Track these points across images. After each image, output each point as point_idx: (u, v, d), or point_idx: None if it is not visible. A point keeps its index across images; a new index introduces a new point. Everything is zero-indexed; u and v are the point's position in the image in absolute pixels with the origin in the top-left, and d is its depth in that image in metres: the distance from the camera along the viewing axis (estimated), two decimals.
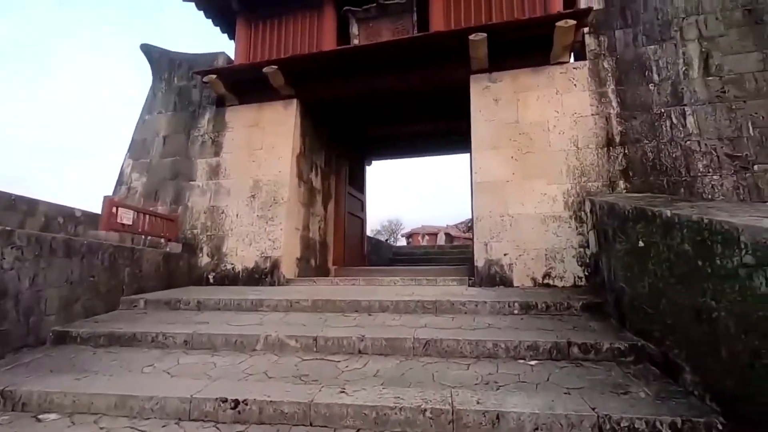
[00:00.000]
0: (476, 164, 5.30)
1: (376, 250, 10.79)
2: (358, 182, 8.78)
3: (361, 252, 8.82)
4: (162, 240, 5.78)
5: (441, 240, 18.30)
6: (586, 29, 5.24)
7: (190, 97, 6.89)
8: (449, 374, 2.54)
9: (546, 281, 4.70)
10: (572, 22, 4.79)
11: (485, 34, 5.00)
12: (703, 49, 4.87)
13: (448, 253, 11.35)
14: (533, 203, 4.94)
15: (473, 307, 3.75)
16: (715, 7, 4.95)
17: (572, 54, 5.33)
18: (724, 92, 4.69)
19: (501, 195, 5.07)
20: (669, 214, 2.74)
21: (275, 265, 5.66)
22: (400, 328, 3.29)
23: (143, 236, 5.40)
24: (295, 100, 6.27)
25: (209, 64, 6.71)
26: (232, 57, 6.83)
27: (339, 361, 2.82)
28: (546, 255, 4.77)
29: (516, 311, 3.69)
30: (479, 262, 4.96)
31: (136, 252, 4.87)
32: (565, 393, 2.21)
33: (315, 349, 3.05)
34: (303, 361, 2.85)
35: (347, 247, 7.86)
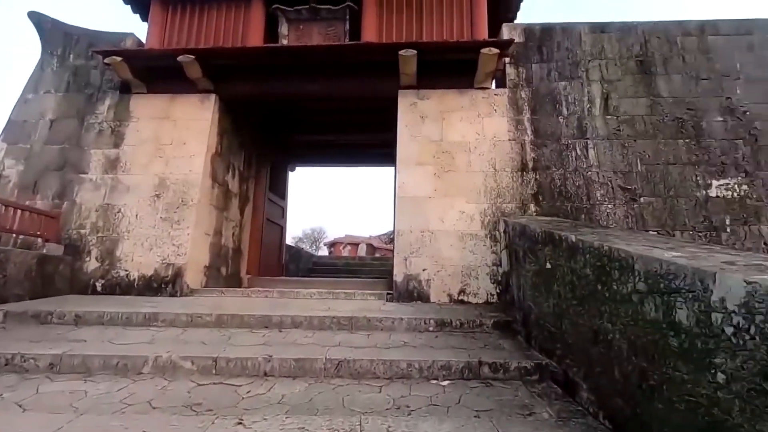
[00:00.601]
0: (400, 179, 5.30)
1: (295, 259, 10.39)
2: (279, 188, 8.39)
3: (279, 261, 8.42)
4: (39, 240, 4.94)
5: (362, 251, 18.28)
6: (507, 59, 5.57)
7: (88, 78, 6.06)
8: (360, 398, 2.40)
9: (461, 297, 4.80)
10: (495, 50, 5.05)
11: (415, 51, 5.07)
12: (604, 90, 5.41)
13: (368, 265, 11.31)
14: (452, 221, 5.05)
15: (390, 323, 3.67)
16: (614, 55, 5.55)
17: (495, 81, 5.62)
18: (619, 130, 5.24)
19: (422, 211, 5.11)
20: (574, 239, 2.90)
21: (178, 273, 5.11)
22: (312, 347, 3.09)
23: (13, 235, 4.56)
24: (213, 96, 5.81)
25: (114, 45, 5.98)
26: (144, 41, 6.17)
27: (240, 386, 2.54)
28: (462, 272, 4.88)
29: (431, 328, 3.68)
30: (398, 276, 4.94)
31: None
32: (475, 416, 2.19)
33: (214, 372, 2.73)
34: (198, 387, 2.52)
35: (264, 255, 7.43)
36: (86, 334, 3.28)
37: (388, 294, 4.97)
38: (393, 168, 7.98)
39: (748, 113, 5.17)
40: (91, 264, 5.20)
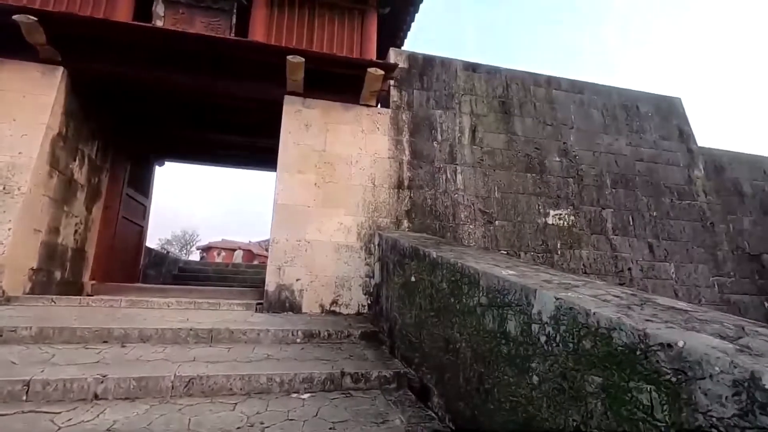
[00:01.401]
0: (280, 185, 5.16)
1: (157, 264, 9.30)
2: (142, 184, 7.47)
3: (136, 266, 7.43)
4: None
5: (238, 258, 17.24)
6: (392, 82, 5.88)
7: None
8: (209, 418, 2.22)
9: (333, 308, 4.83)
10: (381, 71, 5.29)
11: (304, 59, 5.03)
12: (473, 123, 6.07)
13: (243, 273, 10.68)
14: (330, 231, 5.08)
15: (255, 335, 3.50)
16: (482, 93, 6.27)
17: (379, 101, 5.87)
18: (483, 160, 5.91)
19: (301, 220, 5.04)
20: (434, 255, 3.15)
21: None
22: (160, 364, 2.77)
23: None
24: (61, 69, 4.94)
25: None
26: None
27: (59, 413, 2.14)
28: (336, 283, 4.92)
29: (299, 340, 3.62)
30: (270, 286, 4.76)
31: None
32: (330, 428, 2.20)
33: (24, 398, 2.26)
34: None
35: (116, 259, 6.49)
36: None
37: (258, 304, 4.75)
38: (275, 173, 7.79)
39: (577, 156, 6.30)
40: None
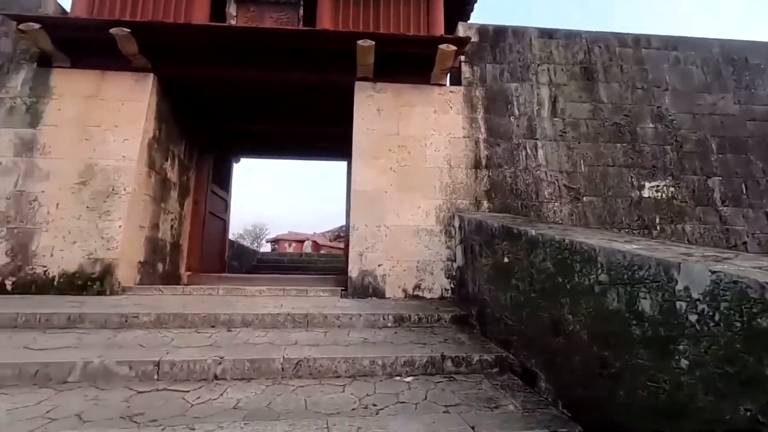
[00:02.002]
0: (355, 172, 5.18)
1: (239, 255, 9.88)
2: (223, 180, 7.91)
3: (221, 257, 7.93)
4: None
5: (308, 248, 17.89)
6: (463, 57, 5.63)
7: None
8: (324, 399, 2.25)
9: (416, 293, 4.78)
10: (453, 47, 5.07)
11: (374, 42, 4.95)
12: (552, 93, 5.66)
13: (316, 262, 11.05)
14: (408, 215, 5.02)
15: (347, 320, 3.55)
16: (561, 60, 5.82)
17: (451, 78, 5.65)
18: (565, 132, 5.50)
19: (378, 205, 5.03)
20: (533, 233, 2.96)
21: (108, 269, 4.60)
22: (266, 347, 2.88)
23: None
24: (151, 75, 5.29)
25: (30, 9, 5.25)
26: (66, 7, 5.50)
27: (188, 392, 2.29)
28: (417, 267, 4.86)
29: (390, 324, 3.60)
30: (353, 272, 4.81)
31: None
32: (444, 412, 2.13)
33: (156, 377, 2.44)
34: (137, 395, 2.23)
35: (205, 251, 6.95)
36: None
37: (342, 290, 4.83)
38: (345, 162, 7.86)
39: (674, 121, 5.65)
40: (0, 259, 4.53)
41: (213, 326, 3.32)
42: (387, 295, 4.74)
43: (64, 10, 5.52)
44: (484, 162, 5.31)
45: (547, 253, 2.76)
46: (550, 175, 5.31)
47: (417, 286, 4.80)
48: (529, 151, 5.39)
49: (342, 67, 5.34)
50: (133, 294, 4.59)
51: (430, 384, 2.55)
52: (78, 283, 4.53)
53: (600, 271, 2.22)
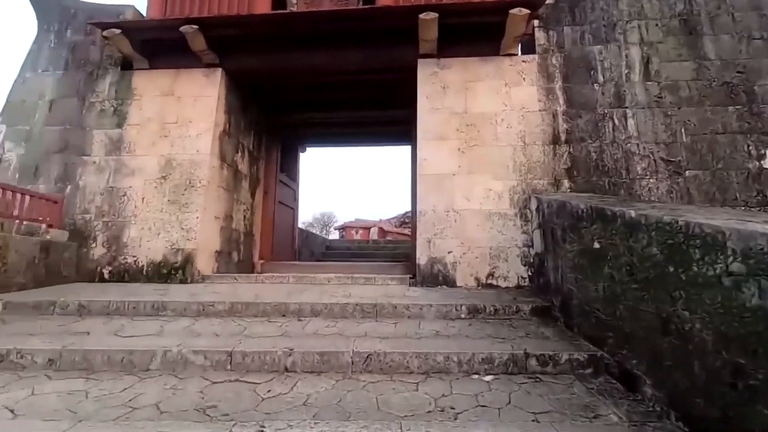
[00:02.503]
0: (421, 155, 4.93)
1: (308, 243, 10.13)
2: (291, 169, 8.06)
3: (292, 245, 8.14)
4: (43, 226, 4.70)
5: (374, 235, 18.03)
6: (536, 22, 5.09)
7: (88, 55, 5.72)
8: (396, 399, 2.09)
9: (490, 281, 4.47)
10: (525, 11, 4.58)
11: (436, 14, 4.62)
12: (644, 54, 4.93)
13: (383, 249, 11.02)
14: (479, 199, 4.68)
15: (418, 310, 3.36)
16: (655, 14, 5.04)
17: (522, 47, 5.15)
18: (661, 97, 4.77)
19: (446, 189, 4.75)
20: (634, 215, 2.53)
21: (188, 259, 4.85)
22: (335, 338, 2.79)
23: (17, 222, 4.30)
24: (219, 70, 5.44)
25: (114, 18, 5.61)
26: (144, 13, 5.80)
27: (259, 384, 2.25)
28: (490, 254, 4.54)
29: (464, 315, 3.36)
30: (422, 259, 4.61)
31: None
32: (533, 420, 1.87)
33: (229, 368, 2.45)
34: (212, 385, 2.24)
35: (276, 240, 7.15)
36: (90, 326, 3.02)
37: (410, 278, 4.66)
38: (409, 146, 7.62)
39: None
40: (98, 250, 4.96)
41: (284, 315, 3.31)
42: (458, 284, 4.48)
43: (142, 16, 5.84)
44: (563, 137, 4.79)
45: (653, 237, 2.33)
46: (643, 148, 4.65)
47: (490, 274, 4.49)
48: (616, 121, 4.76)
49: (404, 45, 5.08)
50: (211, 282, 4.80)
51: (512, 385, 2.28)
52: (163, 272, 4.83)
53: (731, 258, 1.79)
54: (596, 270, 2.96)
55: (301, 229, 9.74)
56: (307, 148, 9.19)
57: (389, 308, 3.35)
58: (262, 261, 6.72)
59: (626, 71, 4.90)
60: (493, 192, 4.69)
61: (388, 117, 7.23)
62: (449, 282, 4.50)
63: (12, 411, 1.92)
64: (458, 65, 5.10)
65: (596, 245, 2.99)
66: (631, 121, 4.73)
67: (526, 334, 2.97)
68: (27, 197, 4.47)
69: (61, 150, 5.34)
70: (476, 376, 2.40)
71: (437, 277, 4.53)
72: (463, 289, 4.33)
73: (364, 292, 3.95)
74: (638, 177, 4.59)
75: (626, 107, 4.79)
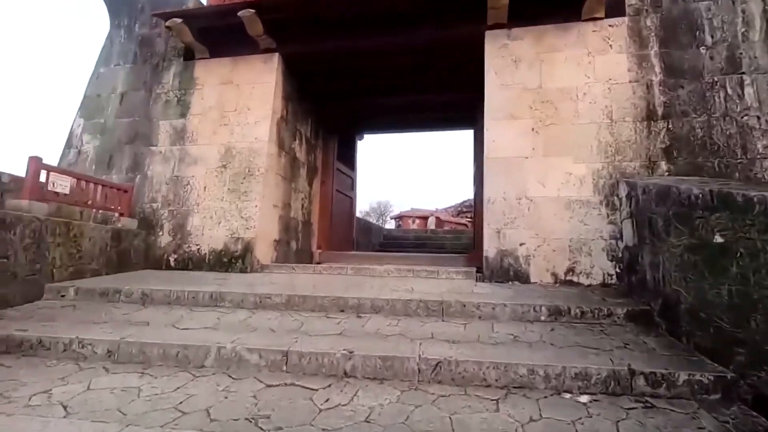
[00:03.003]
0: (489, 136, 4.46)
1: (366, 233, 9.98)
2: (348, 157, 7.88)
3: (350, 235, 8.00)
4: (115, 214, 4.87)
5: (431, 224, 17.59)
6: None
7: (154, 47, 5.86)
8: (474, 420, 1.76)
9: (569, 278, 3.95)
10: None
11: None
12: (767, 7, 4.06)
13: (442, 239, 10.61)
14: (556, 185, 4.15)
15: (489, 310, 2.98)
16: None
17: (607, 10, 4.46)
18: None
19: (518, 174, 4.26)
20: None
21: (248, 248, 4.81)
22: (399, 340, 2.50)
23: (93, 210, 4.47)
24: (276, 55, 5.31)
25: (176, 7, 5.66)
26: (204, 2, 5.81)
27: (316, 391, 2.02)
28: (570, 246, 4.01)
29: (543, 318, 2.93)
30: (490, 251, 4.19)
31: (73, 228, 3.96)
32: None
33: (284, 369, 2.25)
34: (266, 389, 2.04)
35: (334, 229, 7.02)
36: (150, 315, 2.98)
37: (477, 272, 4.25)
38: (472, 130, 7.13)
39: None
40: (164, 238, 5.07)
41: (342, 310, 3.09)
42: (532, 280, 4.02)
43: (202, 5, 5.85)
44: (660, 111, 4.09)
45: None
46: (765, 122, 3.84)
47: (570, 270, 3.97)
48: (729, 90, 3.98)
49: (470, 17, 4.62)
50: (269, 272, 4.73)
51: (618, 410, 1.86)
52: (224, 261, 4.83)
53: None
54: (718, 269, 2.40)
55: (358, 218, 9.60)
56: (365, 136, 8.95)
57: (457, 306, 3.00)
58: (320, 250, 6.62)
59: (743, 29, 4.07)
60: (573, 176, 4.13)
61: (449, 100, 6.76)
62: (522, 277, 4.04)
63: (65, 407, 1.84)
64: (531, 35, 4.54)
65: (718, 239, 2.43)
66: (749, 90, 3.93)
67: (624, 344, 2.49)
68: (100, 187, 4.63)
69: (131, 141, 5.52)
70: (568, 396, 2.00)
71: (508, 272, 4.09)
72: (539, 286, 3.86)
73: (427, 287, 3.63)
74: (758, 157, 3.80)
75: (742, 73, 3.98)
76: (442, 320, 2.90)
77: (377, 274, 4.38)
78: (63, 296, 3.40)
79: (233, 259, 4.81)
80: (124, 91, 5.78)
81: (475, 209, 5.95)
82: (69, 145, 5.79)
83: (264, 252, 4.98)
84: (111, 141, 5.60)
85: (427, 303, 3.04)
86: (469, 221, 19.25)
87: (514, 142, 4.34)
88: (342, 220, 7.51)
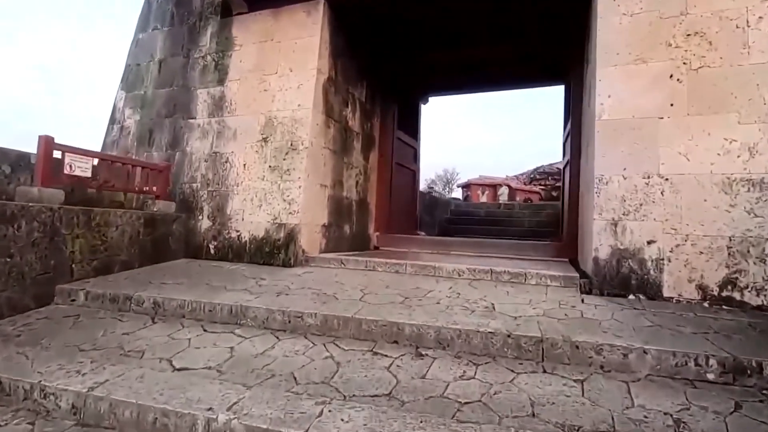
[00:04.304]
0: (601, 89, 3.21)
1: (430, 209, 8.99)
2: (410, 125, 6.84)
3: (413, 213, 7.08)
4: (150, 197, 4.41)
5: (503, 196, 15.96)
6: None
7: (191, 5, 5.17)
8: None
9: (727, 293, 2.71)
10: None
11: None
12: None
13: (518, 215, 9.30)
14: (709, 156, 2.85)
15: (619, 358, 1.94)
16: None
17: None
18: None
19: (647, 142, 3.00)
20: None
21: (291, 236, 4.10)
22: (480, 411, 1.59)
23: (121, 193, 4.01)
24: (322, 4, 4.37)
25: None
26: None
27: None
28: (729, 247, 2.74)
29: (712, 377, 1.83)
30: (601, 251, 3.04)
31: (95, 216, 3.48)
32: None
33: None
34: None
35: (394, 207, 6.13)
36: (153, 337, 2.36)
37: (581, 279, 3.14)
38: (562, 85, 5.75)
39: None
40: (204, 223, 4.54)
41: (395, 342, 2.23)
42: (665, 293, 2.84)
43: None
44: None
45: None
46: None
47: (729, 282, 2.72)
48: None
49: None
50: (315, 266, 4.00)
51: None
52: (266, 251, 4.18)
53: None
54: None
55: (422, 193, 8.62)
56: (429, 99, 7.80)
57: (565, 347, 2.00)
58: (377, 233, 5.81)
59: None
60: (737, 144, 2.79)
61: (531, 51, 5.38)
62: (649, 289, 2.88)
63: None
64: None
65: None
66: None
67: None
68: (129, 167, 4.13)
69: (170, 114, 4.98)
70: None
71: (627, 280, 2.94)
72: (680, 305, 2.69)
73: (513, 303, 2.63)
74: None
75: None
76: (545, 372, 1.92)
77: (445, 275, 3.44)
78: (73, 300, 2.91)
79: (275, 249, 4.14)
80: (162, 58, 5.21)
81: (569, 188, 4.70)
82: (112, 120, 5.42)
83: (310, 240, 4.25)
84: (150, 114, 5.11)
85: (517, 340, 2.07)
86: (542, 188, 17.51)
87: (642, 96, 3.05)
88: (403, 197, 6.59)
